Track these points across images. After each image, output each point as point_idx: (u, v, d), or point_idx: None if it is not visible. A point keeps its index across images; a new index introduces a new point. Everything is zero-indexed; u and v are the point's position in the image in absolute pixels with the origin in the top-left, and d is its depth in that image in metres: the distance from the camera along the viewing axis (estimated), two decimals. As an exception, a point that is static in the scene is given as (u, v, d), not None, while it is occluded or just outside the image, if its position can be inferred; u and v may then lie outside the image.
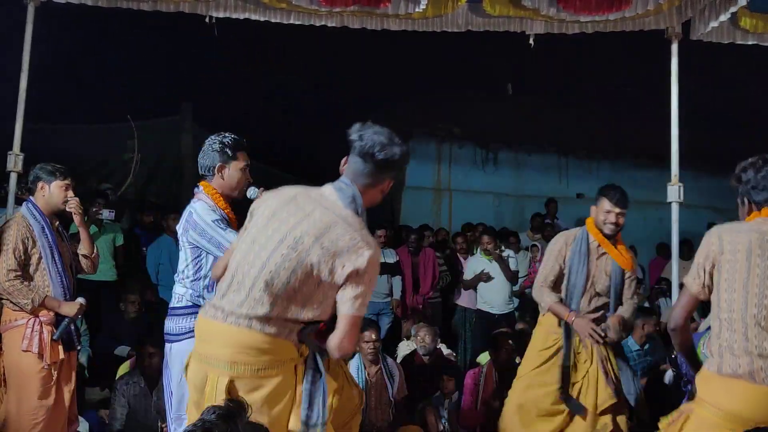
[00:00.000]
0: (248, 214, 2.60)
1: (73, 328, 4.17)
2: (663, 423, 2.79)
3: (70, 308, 4.10)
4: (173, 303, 3.47)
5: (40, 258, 4.08)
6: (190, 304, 3.38)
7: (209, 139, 3.52)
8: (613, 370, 4.29)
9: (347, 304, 2.40)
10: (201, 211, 3.37)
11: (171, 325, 3.44)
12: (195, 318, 2.79)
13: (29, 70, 5.08)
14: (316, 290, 2.41)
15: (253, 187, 3.50)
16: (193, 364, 2.54)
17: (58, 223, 4.27)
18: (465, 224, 9.30)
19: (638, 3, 5.43)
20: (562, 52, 7.16)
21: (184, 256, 3.42)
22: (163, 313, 3.57)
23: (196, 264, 3.39)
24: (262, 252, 2.43)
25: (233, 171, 3.47)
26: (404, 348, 6.83)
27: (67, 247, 4.26)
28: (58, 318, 4.08)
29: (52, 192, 4.16)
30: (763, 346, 2.55)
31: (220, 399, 2.33)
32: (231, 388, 2.35)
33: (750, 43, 5.80)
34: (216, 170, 3.46)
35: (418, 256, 7.76)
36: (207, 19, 5.37)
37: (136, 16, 5.52)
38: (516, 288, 7.86)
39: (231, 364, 2.37)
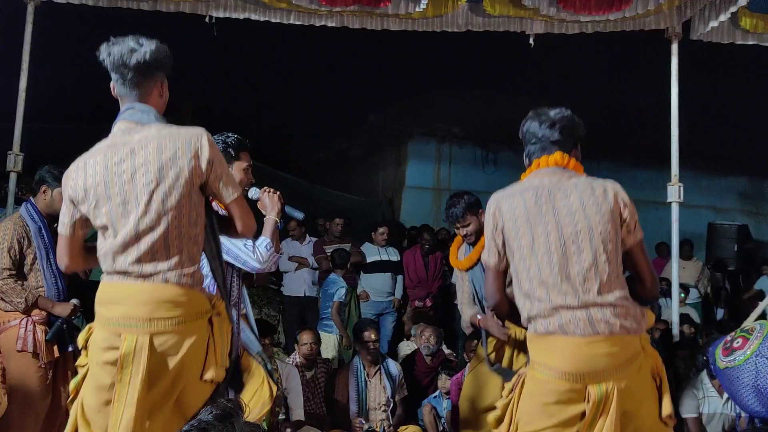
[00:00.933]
0: (70, 194, 2.60)
1: (66, 328, 4.16)
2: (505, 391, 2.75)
3: (63, 309, 4.09)
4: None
5: (34, 258, 4.06)
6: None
7: (213, 138, 3.51)
8: None
9: (223, 193, 2.45)
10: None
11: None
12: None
13: (29, 70, 5.09)
14: (198, 210, 2.41)
15: (254, 188, 3.49)
16: (97, 331, 2.47)
17: (56, 225, 4.26)
18: (465, 224, 9.29)
19: (638, 3, 5.45)
20: (562, 52, 7.17)
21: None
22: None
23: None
24: (130, 212, 2.39)
25: (236, 171, 3.45)
26: (404, 348, 6.83)
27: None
28: (51, 318, 4.07)
29: (54, 198, 4.14)
30: (566, 301, 2.53)
31: (141, 361, 2.29)
32: (150, 348, 2.30)
33: (750, 43, 5.81)
34: (218, 169, 3.46)
35: (429, 256, 7.76)
36: (207, 19, 5.39)
37: (136, 16, 5.53)
38: None
39: (150, 321, 2.33)
